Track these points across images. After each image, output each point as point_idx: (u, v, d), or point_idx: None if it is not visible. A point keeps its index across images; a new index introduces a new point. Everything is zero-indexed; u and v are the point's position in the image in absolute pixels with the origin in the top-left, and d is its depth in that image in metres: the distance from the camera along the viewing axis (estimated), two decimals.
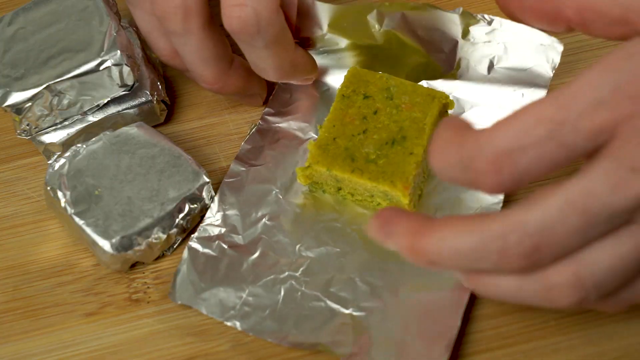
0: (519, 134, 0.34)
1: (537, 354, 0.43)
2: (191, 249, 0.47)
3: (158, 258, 0.48)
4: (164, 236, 0.47)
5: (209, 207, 0.48)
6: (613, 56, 0.34)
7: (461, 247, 0.35)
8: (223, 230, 0.47)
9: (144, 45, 0.53)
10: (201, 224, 0.47)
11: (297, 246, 0.46)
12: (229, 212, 0.48)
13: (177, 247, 0.48)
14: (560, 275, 0.35)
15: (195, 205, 0.48)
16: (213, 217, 0.48)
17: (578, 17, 0.38)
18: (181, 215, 0.47)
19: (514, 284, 0.36)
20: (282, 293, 0.45)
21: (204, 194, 0.48)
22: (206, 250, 0.47)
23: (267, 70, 0.48)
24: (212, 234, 0.47)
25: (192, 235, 0.47)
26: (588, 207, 0.33)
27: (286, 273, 0.46)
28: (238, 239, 0.47)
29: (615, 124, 0.33)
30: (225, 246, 0.47)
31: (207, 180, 0.48)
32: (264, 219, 0.48)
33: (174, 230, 0.47)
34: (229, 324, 0.44)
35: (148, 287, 0.47)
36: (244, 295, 0.45)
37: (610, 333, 0.43)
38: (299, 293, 0.45)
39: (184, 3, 0.45)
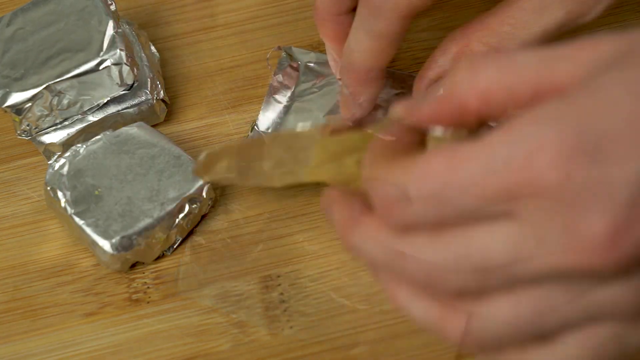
0: (408, 185, 0.32)
1: None
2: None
3: (158, 258, 0.48)
4: (164, 236, 0.47)
5: (211, 206, 0.48)
6: (520, 121, 0.31)
7: (371, 253, 0.35)
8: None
9: (143, 44, 0.53)
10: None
11: None
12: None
13: (177, 247, 0.48)
14: (455, 319, 0.34)
15: (195, 205, 0.48)
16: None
17: (484, 104, 0.34)
18: (181, 215, 0.47)
19: (419, 310, 0.35)
20: None
21: (204, 194, 0.48)
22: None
23: (350, 53, 0.45)
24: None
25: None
26: (484, 264, 0.32)
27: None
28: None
29: (513, 196, 0.31)
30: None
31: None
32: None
33: (174, 230, 0.47)
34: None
35: (148, 287, 0.47)
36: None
37: None
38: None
39: None
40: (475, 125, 0.34)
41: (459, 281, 0.32)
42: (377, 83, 0.47)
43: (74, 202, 0.47)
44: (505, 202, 0.31)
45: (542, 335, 0.33)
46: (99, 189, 0.47)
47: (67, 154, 0.48)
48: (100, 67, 0.49)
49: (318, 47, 0.55)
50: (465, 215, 0.32)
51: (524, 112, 0.31)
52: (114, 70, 0.49)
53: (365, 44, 0.44)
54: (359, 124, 0.48)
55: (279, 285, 0.47)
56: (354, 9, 0.46)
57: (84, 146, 0.49)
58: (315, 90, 0.52)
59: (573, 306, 0.32)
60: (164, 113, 0.53)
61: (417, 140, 0.35)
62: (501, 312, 0.33)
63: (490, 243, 0.32)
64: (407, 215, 0.32)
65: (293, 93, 0.51)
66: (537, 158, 0.30)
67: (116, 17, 0.50)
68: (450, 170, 0.31)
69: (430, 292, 0.34)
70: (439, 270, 0.32)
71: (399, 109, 0.35)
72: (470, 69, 0.33)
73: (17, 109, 0.49)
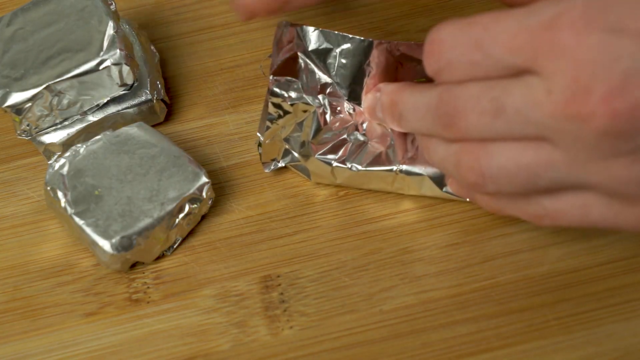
0: (460, 29, 0.38)
1: (537, 354, 0.43)
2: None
3: (158, 258, 0.48)
4: (164, 236, 0.47)
5: (211, 206, 0.48)
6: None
7: (414, 104, 0.42)
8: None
9: (143, 44, 0.53)
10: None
11: None
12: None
13: (177, 247, 0.48)
14: (468, 155, 0.39)
15: (195, 205, 0.48)
16: None
17: None
18: (181, 215, 0.47)
19: (441, 152, 0.41)
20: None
21: (204, 194, 0.48)
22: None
23: None
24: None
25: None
26: (500, 99, 0.37)
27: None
28: None
29: (535, 50, 0.36)
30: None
31: (207, 180, 0.48)
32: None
33: (174, 230, 0.47)
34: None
35: (148, 287, 0.47)
36: None
37: (611, 333, 0.43)
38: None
39: None
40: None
41: (475, 121, 0.38)
42: None
43: (74, 202, 0.47)
44: (529, 57, 0.36)
45: (537, 190, 0.39)
46: (99, 189, 0.47)
47: (67, 154, 0.48)
48: (100, 67, 0.49)
49: None
50: (493, 67, 0.37)
51: None
52: (114, 70, 0.49)
53: None
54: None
55: (279, 285, 0.47)
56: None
57: (84, 146, 0.49)
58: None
59: (567, 169, 0.37)
60: (164, 113, 0.53)
61: None
62: (507, 154, 0.38)
63: (509, 86, 0.37)
64: (446, 58, 0.38)
65: None
66: (561, 21, 0.35)
67: (116, 17, 0.50)
68: (492, 21, 0.37)
69: (451, 130, 0.39)
70: (460, 107, 0.38)
71: None
72: None
73: (17, 109, 0.49)
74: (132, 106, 0.51)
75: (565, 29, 0.35)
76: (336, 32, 0.47)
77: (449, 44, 0.38)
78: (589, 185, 0.38)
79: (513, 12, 0.37)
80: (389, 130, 0.47)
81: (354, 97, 0.47)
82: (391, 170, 0.47)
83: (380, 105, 0.45)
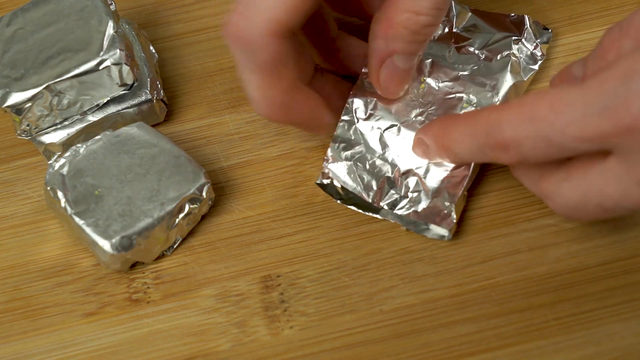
0: (516, 126, 0.38)
1: (537, 354, 0.43)
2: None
3: (158, 258, 0.48)
4: (164, 236, 0.47)
5: (211, 206, 0.48)
6: (612, 73, 0.36)
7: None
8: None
9: (143, 44, 0.53)
10: None
11: None
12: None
13: (177, 247, 0.48)
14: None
15: (195, 205, 0.48)
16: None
17: None
18: (181, 215, 0.47)
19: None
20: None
21: (204, 194, 0.48)
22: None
23: (248, 97, 0.44)
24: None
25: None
26: (603, 204, 0.39)
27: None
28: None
29: (606, 137, 0.36)
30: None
31: (207, 180, 0.48)
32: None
33: (174, 230, 0.47)
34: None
35: (148, 287, 0.47)
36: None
37: (611, 333, 0.43)
38: None
39: None
40: None
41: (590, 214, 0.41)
42: (313, 96, 0.46)
43: (74, 202, 0.47)
44: (601, 144, 0.36)
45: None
46: (99, 189, 0.47)
47: (67, 154, 0.48)
48: (100, 67, 0.49)
49: None
50: (566, 153, 0.38)
51: (612, 64, 0.36)
52: (114, 70, 0.49)
53: (257, 81, 0.43)
54: None
55: (279, 285, 0.47)
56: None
57: (84, 146, 0.49)
58: None
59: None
60: (164, 113, 0.53)
61: None
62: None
63: (602, 186, 0.38)
64: (521, 152, 0.39)
65: None
66: (635, 105, 0.35)
67: (116, 17, 0.50)
68: (553, 114, 0.37)
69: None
70: (573, 208, 0.41)
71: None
72: (614, 48, 0.39)
73: (17, 109, 0.49)
74: (132, 106, 0.51)
75: (633, 112, 0.35)
76: None
77: (517, 142, 0.38)
78: None
79: (570, 97, 0.37)
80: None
81: None
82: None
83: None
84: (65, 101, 0.50)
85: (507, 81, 0.49)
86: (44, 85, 0.49)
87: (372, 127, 0.49)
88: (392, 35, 0.44)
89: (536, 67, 0.50)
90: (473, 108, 0.48)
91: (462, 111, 0.48)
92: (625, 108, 0.35)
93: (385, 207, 0.47)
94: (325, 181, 0.49)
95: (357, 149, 0.49)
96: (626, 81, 0.35)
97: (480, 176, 0.49)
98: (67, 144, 0.51)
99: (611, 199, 0.38)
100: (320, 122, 0.47)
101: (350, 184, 0.48)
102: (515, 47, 0.50)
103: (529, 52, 0.51)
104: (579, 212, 0.40)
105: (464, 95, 0.49)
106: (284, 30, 0.41)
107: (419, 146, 0.47)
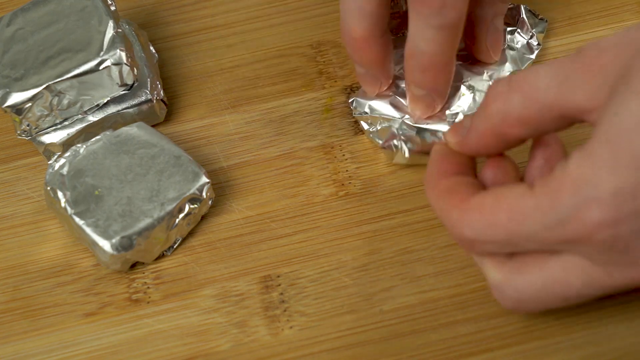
0: (478, 231, 0.39)
1: (537, 354, 0.43)
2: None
3: (158, 258, 0.48)
4: (164, 236, 0.47)
5: (211, 206, 0.48)
6: (567, 180, 0.36)
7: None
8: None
9: (143, 44, 0.53)
10: None
11: None
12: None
13: (177, 247, 0.48)
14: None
15: (195, 205, 0.48)
16: None
17: (525, 128, 0.39)
18: (181, 215, 0.47)
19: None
20: None
21: (204, 194, 0.48)
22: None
23: (424, 55, 0.45)
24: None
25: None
26: (564, 294, 0.40)
27: None
28: None
29: (569, 243, 0.37)
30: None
31: (207, 180, 0.48)
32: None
33: (174, 230, 0.47)
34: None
35: (148, 287, 0.47)
36: None
37: (611, 333, 0.43)
38: None
39: None
40: (519, 144, 0.41)
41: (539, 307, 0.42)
42: (453, 70, 0.47)
43: (74, 202, 0.47)
44: (565, 246, 0.38)
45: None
46: (99, 189, 0.47)
47: (67, 154, 0.48)
48: (100, 67, 0.49)
49: (318, 48, 0.55)
50: (527, 250, 0.39)
51: (565, 168, 0.36)
52: (114, 70, 0.49)
53: (438, 39, 0.44)
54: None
55: (279, 285, 0.47)
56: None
57: (84, 146, 0.49)
58: None
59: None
60: (164, 113, 0.53)
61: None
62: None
63: (566, 277, 0.39)
64: (481, 251, 0.40)
65: None
66: (587, 216, 0.36)
67: (116, 17, 0.50)
68: (513, 224, 0.38)
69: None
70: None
71: (451, 139, 0.42)
72: (499, 100, 0.39)
73: (17, 109, 0.49)
74: (132, 106, 0.51)
75: (595, 227, 0.36)
76: None
77: (479, 243, 0.39)
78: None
79: (528, 207, 0.37)
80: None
81: None
82: None
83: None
84: (65, 101, 0.49)
85: (505, 71, 0.50)
86: (44, 86, 0.49)
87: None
88: None
89: (533, 56, 0.51)
90: (471, 94, 0.48)
91: (461, 98, 0.48)
92: (581, 220, 0.36)
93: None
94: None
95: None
96: (577, 192, 0.36)
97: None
98: (67, 144, 0.51)
99: (574, 288, 0.39)
100: (388, 69, 0.49)
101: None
102: (508, 37, 0.51)
103: (524, 42, 0.51)
104: (530, 304, 0.41)
105: (461, 84, 0.49)
106: None
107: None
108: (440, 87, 0.47)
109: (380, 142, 0.49)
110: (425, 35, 0.44)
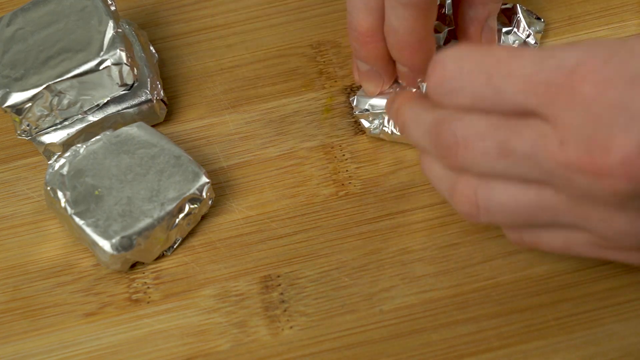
0: (460, 64, 0.37)
1: (537, 354, 0.43)
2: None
3: (158, 258, 0.48)
4: (164, 236, 0.47)
5: (211, 206, 0.48)
6: (569, 45, 0.36)
7: (416, 120, 0.41)
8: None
9: (143, 44, 0.53)
10: None
11: None
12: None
13: (177, 247, 0.48)
14: (464, 184, 0.39)
15: (195, 205, 0.48)
16: None
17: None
18: (181, 215, 0.47)
19: (437, 171, 0.40)
20: None
21: (204, 194, 0.48)
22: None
23: (397, 32, 0.46)
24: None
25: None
26: (509, 142, 0.36)
27: None
28: None
29: (551, 94, 0.35)
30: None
31: (207, 180, 0.48)
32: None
33: (174, 230, 0.47)
34: None
35: (148, 287, 0.47)
36: None
37: (611, 333, 0.43)
38: None
39: None
40: None
41: (476, 158, 0.37)
42: (431, 48, 0.47)
43: (74, 202, 0.47)
44: (543, 102, 0.35)
45: (531, 225, 0.39)
46: (99, 189, 0.47)
47: (67, 154, 0.48)
48: (100, 67, 0.49)
49: (318, 48, 0.55)
50: (501, 103, 0.36)
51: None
52: (114, 70, 0.49)
53: (407, 17, 0.45)
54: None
55: (279, 285, 0.47)
56: None
57: (84, 146, 0.49)
58: None
59: (567, 213, 0.37)
60: (164, 113, 0.53)
61: None
62: (508, 191, 0.38)
63: (521, 128, 0.36)
64: (451, 84, 0.38)
65: None
66: (582, 70, 0.34)
67: (116, 17, 0.50)
68: (507, 57, 0.36)
69: (453, 159, 0.38)
70: (461, 142, 0.37)
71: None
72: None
73: (17, 109, 0.49)
74: (132, 106, 0.51)
75: (586, 80, 0.34)
76: None
77: (455, 71, 0.37)
78: (585, 228, 0.38)
79: (531, 52, 0.36)
80: None
81: None
82: None
83: (391, 108, 0.45)
84: (65, 101, 0.50)
85: None
86: (44, 85, 0.49)
87: None
88: None
89: None
90: None
91: None
92: (574, 67, 0.34)
93: None
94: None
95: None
96: (572, 46, 0.35)
97: None
98: (67, 144, 0.51)
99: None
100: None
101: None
102: (502, 38, 0.51)
103: (522, 42, 0.51)
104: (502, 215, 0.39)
105: None
106: None
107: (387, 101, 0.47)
108: (418, 64, 0.47)
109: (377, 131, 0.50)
110: (396, 13, 0.45)
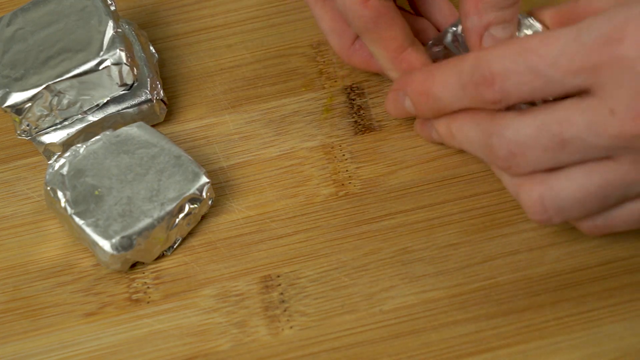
0: (505, 59, 0.38)
1: (537, 354, 0.43)
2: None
3: (158, 258, 0.48)
4: (164, 236, 0.47)
5: (211, 206, 0.48)
6: (602, 14, 0.36)
7: (468, 135, 0.42)
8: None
9: (143, 44, 0.53)
10: None
11: None
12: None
13: (177, 247, 0.48)
14: (529, 191, 0.39)
15: (195, 205, 0.48)
16: None
17: None
18: (181, 215, 0.47)
19: (505, 181, 0.42)
20: None
21: (204, 194, 0.48)
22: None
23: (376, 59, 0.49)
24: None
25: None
26: (562, 134, 0.37)
27: None
28: None
29: (594, 68, 0.35)
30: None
31: (207, 180, 0.48)
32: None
33: (174, 230, 0.47)
34: None
35: (148, 287, 0.47)
36: None
37: (611, 333, 0.43)
38: None
39: None
40: None
41: (536, 157, 0.38)
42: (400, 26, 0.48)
43: (74, 202, 0.47)
44: (588, 76, 0.35)
45: (604, 208, 0.39)
46: (99, 189, 0.47)
47: (67, 154, 0.48)
48: (100, 67, 0.49)
49: (318, 47, 0.55)
50: (551, 90, 0.37)
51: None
52: (114, 70, 0.49)
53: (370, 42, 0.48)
54: None
55: (279, 285, 0.47)
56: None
57: (84, 146, 0.49)
58: None
59: (635, 181, 0.37)
60: (164, 113, 0.53)
61: None
62: (574, 183, 0.38)
63: (569, 114, 0.36)
64: (501, 91, 0.38)
65: None
66: (619, 34, 0.34)
67: (116, 17, 0.50)
68: (544, 45, 0.36)
69: (511, 166, 0.39)
70: (520, 140, 0.38)
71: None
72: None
73: (17, 109, 0.49)
74: (132, 106, 0.51)
75: (625, 41, 0.34)
76: None
77: (503, 76, 0.38)
78: None
79: (562, 32, 0.36)
80: None
81: None
82: None
83: (435, 132, 0.46)
84: (65, 101, 0.50)
85: None
86: (44, 85, 0.49)
87: None
88: (483, 7, 0.45)
89: None
90: None
91: None
92: (619, 33, 0.35)
93: None
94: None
95: None
96: (612, 13, 0.35)
97: (481, 176, 0.49)
98: (67, 144, 0.51)
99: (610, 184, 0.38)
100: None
101: None
102: None
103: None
104: (573, 211, 0.40)
105: None
106: None
107: (392, 101, 0.47)
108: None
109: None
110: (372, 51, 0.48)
